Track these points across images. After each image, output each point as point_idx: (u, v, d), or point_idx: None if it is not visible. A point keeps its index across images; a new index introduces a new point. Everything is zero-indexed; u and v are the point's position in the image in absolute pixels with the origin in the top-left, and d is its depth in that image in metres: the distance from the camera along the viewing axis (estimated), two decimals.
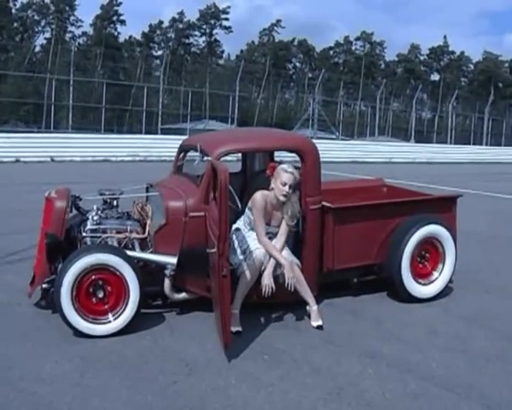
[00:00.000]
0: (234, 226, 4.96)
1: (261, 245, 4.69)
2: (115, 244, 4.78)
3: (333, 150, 27.22)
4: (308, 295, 4.76)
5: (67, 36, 58.17)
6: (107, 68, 47.17)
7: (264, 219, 4.73)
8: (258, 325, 4.65)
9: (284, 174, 4.68)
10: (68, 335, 4.30)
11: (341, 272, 5.25)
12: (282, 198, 4.68)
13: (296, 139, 5.36)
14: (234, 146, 5.02)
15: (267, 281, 4.54)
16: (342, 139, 37.79)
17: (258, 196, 4.74)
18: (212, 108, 42.81)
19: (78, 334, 4.27)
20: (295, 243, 5.03)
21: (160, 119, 33.50)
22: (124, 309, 4.36)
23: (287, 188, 4.66)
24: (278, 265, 4.61)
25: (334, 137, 38.37)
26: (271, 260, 4.62)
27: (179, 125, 37.43)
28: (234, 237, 4.85)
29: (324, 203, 5.08)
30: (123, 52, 58.90)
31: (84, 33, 60.39)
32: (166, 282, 4.67)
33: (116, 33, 61.36)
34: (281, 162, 5.05)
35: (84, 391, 3.48)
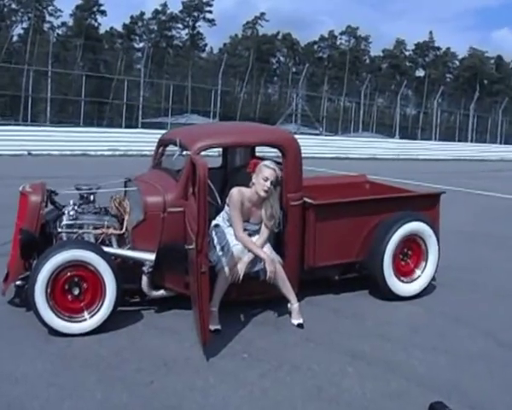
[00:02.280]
0: (213, 222, 4.94)
1: (239, 241, 4.69)
2: (92, 240, 4.75)
3: (316, 146, 27.29)
4: (289, 293, 4.77)
5: (46, 26, 57.27)
6: (87, 60, 46.83)
7: (241, 215, 4.74)
8: (238, 323, 4.64)
9: (266, 170, 4.70)
10: (43, 333, 4.26)
11: (323, 269, 5.25)
12: (262, 194, 4.69)
13: (277, 134, 5.35)
14: (214, 141, 5.00)
15: (238, 268, 4.56)
16: (326, 135, 37.76)
17: (235, 192, 4.76)
18: (194, 102, 42.63)
19: (53, 332, 4.23)
20: (277, 241, 5.01)
21: (140, 112, 33.25)
22: (100, 307, 4.33)
23: (268, 183, 4.66)
24: (259, 260, 4.62)
25: (317, 132, 38.29)
26: (249, 254, 4.64)
27: (160, 120, 37.33)
28: (213, 233, 4.84)
29: (306, 199, 5.08)
30: (103, 44, 58.30)
31: (64, 24, 59.68)
32: (144, 279, 4.66)
33: (96, 24, 60.87)
34: (263, 158, 5.07)
35: (58, 391, 3.44)
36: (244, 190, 4.80)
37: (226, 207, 4.89)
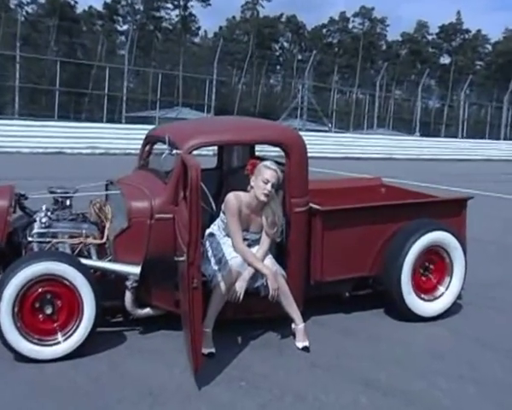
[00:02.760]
0: (207, 231, 5.00)
1: (238, 253, 4.75)
2: (68, 251, 4.74)
3: (324, 144, 27.46)
4: (293, 311, 4.79)
5: (13, 3, 56.49)
6: (63, 44, 46.70)
7: (239, 223, 4.80)
8: (235, 346, 4.64)
9: (266, 171, 4.74)
10: (11, 359, 4.21)
11: (331, 284, 5.27)
12: (262, 198, 4.74)
13: (280, 131, 5.41)
14: (208, 138, 5.04)
15: (238, 286, 4.59)
16: (335, 132, 37.86)
17: (231, 197, 4.81)
18: (186, 94, 42.82)
19: (21, 358, 4.17)
20: (279, 252, 5.07)
21: (124, 105, 33.39)
22: (76, 328, 4.30)
23: (269, 186, 4.71)
24: (260, 275, 4.68)
25: (326, 129, 38.43)
26: (250, 268, 4.68)
27: (147, 113, 37.50)
28: (207, 243, 4.90)
29: (312, 205, 5.11)
30: (81, 25, 58.26)
31: (34, 1, 59.07)
32: (128, 295, 4.67)
33: (73, 2, 60.55)
34: (263, 159, 5.11)
35: None
36: (242, 194, 4.84)
37: (222, 215, 4.92)
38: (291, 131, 5.54)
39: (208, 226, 5.05)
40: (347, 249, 5.25)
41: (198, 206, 3.87)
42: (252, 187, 4.81)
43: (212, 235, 4.96)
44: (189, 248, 3.86)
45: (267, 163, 4.85)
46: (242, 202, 4.81)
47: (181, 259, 4.07)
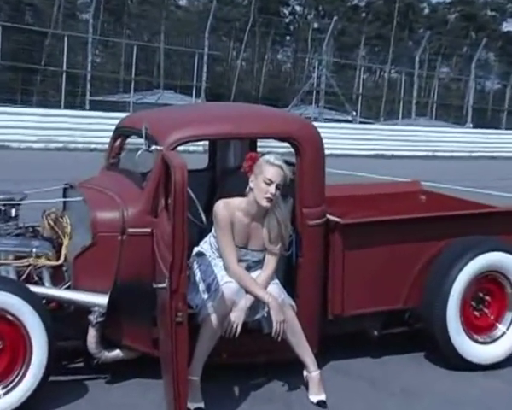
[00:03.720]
0: (195, 250, 5.06)
1: (232, 277, 4.80)
2: (12, 276, 4.73)
3: (347, 138, 27.77)
4: (306, 353, 4.80)
5: None
6: (5, 4, 46.63)
7: (231, 239, 4.85)
8: (230, 399, 4.64)
9: (269, 168, 4.75)
10: None
11: (355, 320, 5.31)
12: (264, 203, 4.76)
13: (289, 122, 5.44)
14: (197, 130, 5.11)
15: (235, 317, 4.62)
16: (361, 122, 38.02)
17: (220, 206, 4.87)
18: (169, 73, 42.74)
19: None
20: (287, 277, 5.13)
21: (88, 86, 33.31)
22: (22, 377, 4.26)
23: (272, 188, 4.71)
24: (261, 305, 4.70)
25: (349, 118, 38.58)
26: (248, 296, 4.71)
27: (118, 98, 37.71)
28: (195, 265, 4.96)
29: (330, 217, 5.17)
30: None
31: None
32: (92, 333, 4.65)
33: None
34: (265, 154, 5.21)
35: None
36: (236, 201, 4.90)
37: (214, 230, 4.96)
38: (303, 122, 5.61)
39: (197, 244, 5.08)
40: (376, 274, 5.28)
41: (184, 218, 3.91)
42: (251, 189, 4.84)
43: (201, 255, 5.01)
44: (172, 271, 3.89)
45: (270, 158, 4.85)
46: (236, 210, 4.86)
47: (161, 286, 4.09)
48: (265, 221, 4.87)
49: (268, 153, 5.02)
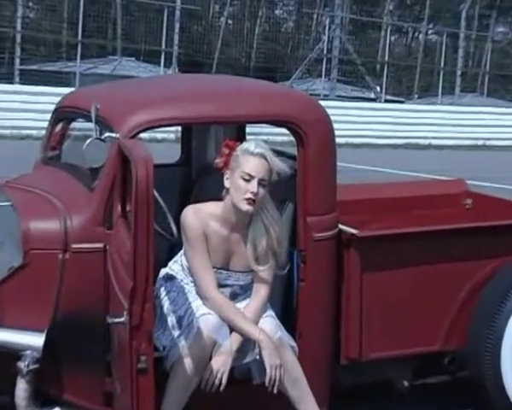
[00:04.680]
0: (163, 272, 5.06)
1: (210, 307, 4.74)
2: None
3: (368, 122, 28.13)
4: (310, 408, 4.84)
5: None
6: None
7: (206, 256, 4.79)
8: None
9: (247, 159, 4.71)
10: None
11: (377, 366, 5.31)
12: (243, 207, 4.69)
13: (290, 101, 5.36)
14: (167, 112, 4.99)
15: (218, 363, 4.56)
16: (389, 101, 38.16)
17: (189, 213, 4.82)
18: (129, 35, 41.67)
19: None
20: (286, 306, 5.17)
21: (18, 51, 33.30)
22: None
23: (253, 186, 4.64)
24: (252, 346, 4.65)
25: (371, 96, 38.73)
26: (234, 335, 4.68)
27: (60, 67, 36.62)
28: (163, 292, 4.94)
29: (343, 228, 5.16)
30: None
31: None
32: (22, 385, 4.55)
33: None
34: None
35: None
36: (210, 207, 4.88)
37: (184, 245, 5.04)
38: (309, 102, 5.51)
39: (165, 264, 5.09)
40: (405, 305, 5.25)
41: (149, 229, 3.87)
42: (227, 190, 4.81)
43: (170, 279, 5.00)
44: (134, 301, 3.86)
45: (249, 146, 4.80)
46: (211, 219, 4.82)
47: (118, 320, 4.05)
48: (250, 232, 4.84)
49: (247, 141, 5.06)
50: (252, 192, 4.62)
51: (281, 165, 4.82)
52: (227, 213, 4.79)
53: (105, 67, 36.10)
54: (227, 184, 4.76)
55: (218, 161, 4.84)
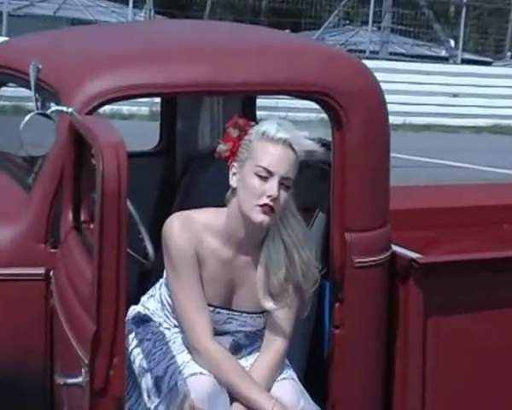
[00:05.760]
0: (133, 311, 4.76)
1: (203, 364, 4.42)
2: None
3: (437, 94, 28.62)
4: None
5: None
6: None
7: (199, 287, 4.50)
8: None
9: (267, 147, 4.36)
10: None
11: None
12: (257, 217, 4.33)
13: (320, 62, 5.01)
14: (138, 76, 4.66)
15: None
16: (467, 61, 38.03)
17: (174, 225, 4.47)
18: None
19: None
20: (311, 363, 4.93)
21: None
22: None
23: (271, 187, 4.28)
24: None
25: (442, 54, 39.24)
26: (236, 405, 4.44)
27: None
28: (133, 341, 4.63)
29: (398, 250, 4.88)
30: None
31: None
32: None
33: None
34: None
35: None
36: (206, 216, 4.56)
37: (166, 271, 4.65)
38: (348, 63, 5.21)
39: (136, 299, 4.79)
40: (491, 363, 5.02)
41: (120, 248, 3.62)
42: (233, 191, 4.48)
43: (144, 322, 4.71)
44: (96, 353, 3.59)
45: (269, 127, 4.43)
46: (206, 233, 4.53)
47: (72, 381, 3.84)
48: (263, 255, 4.50)
49: (265, 120, 4.64)
50: (270, 196, 4.30)
51: (318, 152, 4.56)
52: (231, 225, 4.48)
53: (44, 5, 35.30)
54: (233, 182, 4.43)
55: (222, 149, 4.50)
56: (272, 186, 4.32)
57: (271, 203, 4.33)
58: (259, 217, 4.37)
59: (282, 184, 4.35)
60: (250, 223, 4.41)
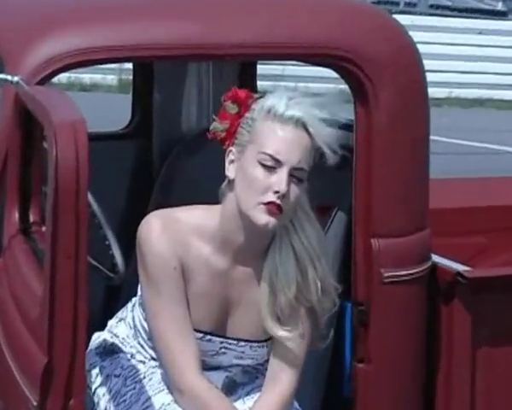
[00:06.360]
0: (97, 339, 4.57)
1: (187, 408, 4.20)
2: None
3: (492, 59, 28.54)
4: None
5: None
6: None
7: (184, 307, 4.26)
8: None
9: (275, 128, 4.09)
10: None
11: None
12: (261, 219, 4.06)
13: (338, 17, 4.91)
14: (102, 36, 4.52)
15: None
16: None
17: (152, 226, 4.18)
18: None
19: None
20: (329, 402, 4.78)
21: None
22: None
23: (280, 180, 4.02)
24: None
25: (498, 8, 39.09)
26: None
27: None
28: (96, 376, 4.48)
29: (439, 261, 4.74)
30: None
31: None
32: None
33: None
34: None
35: None
36: (194, 216, 4.32)
37: (140, 286, 4.36)
38: (378, 19, 5.04)
39: (100, 325, 4.63)
40: None
41: (79, 258, 3.53)
42: (229, 184, 4.24)
43: (111, 353, 4.51)
44: (48, 392, 3.55)
45: (277, 102, 4.16)
46: (194, 237, 4.28)
47: None
48: (267, 266, 4.26)
49: (271, 93, 4.33)
50: (277, 192, 4.09)
51: (336, 141, 4.28)
52: (227, 228, 4.27)
53: None
54: (230, 172, 4.21)
55: (218, 128, 4.29)
56: (280, 179, 4.17)
57: (279, 201, 4.18)
58: (263, 218, 4.22)
59: (293, 176, 4.18)
60: (251, 225, 4.26)
